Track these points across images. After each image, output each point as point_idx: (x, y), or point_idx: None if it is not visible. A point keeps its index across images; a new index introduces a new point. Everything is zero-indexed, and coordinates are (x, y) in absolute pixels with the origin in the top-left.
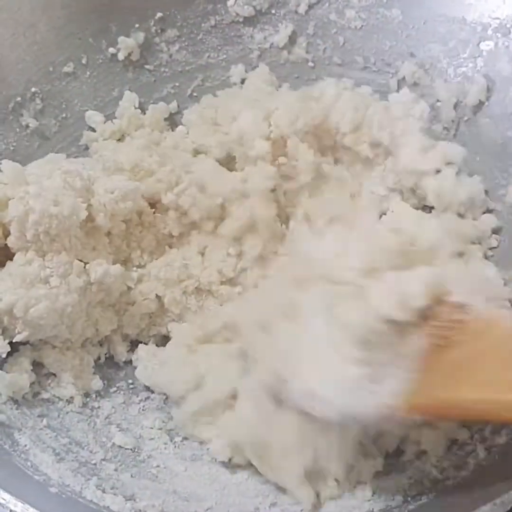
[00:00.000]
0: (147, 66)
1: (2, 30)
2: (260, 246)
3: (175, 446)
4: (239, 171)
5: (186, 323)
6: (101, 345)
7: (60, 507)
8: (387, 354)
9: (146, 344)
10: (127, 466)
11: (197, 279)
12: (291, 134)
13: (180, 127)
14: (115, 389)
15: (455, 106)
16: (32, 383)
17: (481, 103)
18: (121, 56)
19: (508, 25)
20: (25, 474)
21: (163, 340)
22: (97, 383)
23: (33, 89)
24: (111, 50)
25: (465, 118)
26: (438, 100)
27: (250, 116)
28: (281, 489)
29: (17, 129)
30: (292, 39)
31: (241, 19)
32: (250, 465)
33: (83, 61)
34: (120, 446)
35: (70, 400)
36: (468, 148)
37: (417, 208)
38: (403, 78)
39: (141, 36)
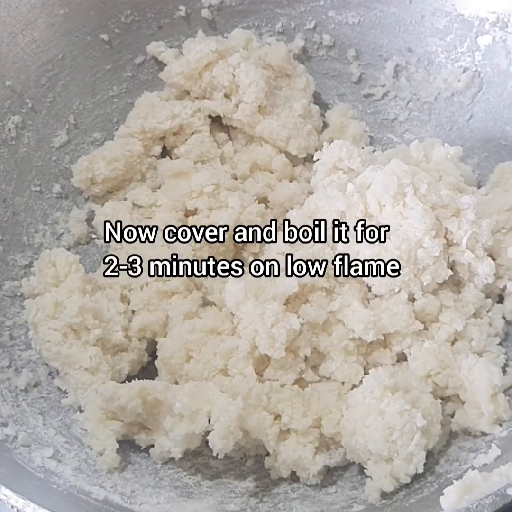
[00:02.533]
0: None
1: (0, 28)
2: None
3: None
4: None
5: None
6: None
7: (61, 503)
8: None
9: None
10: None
11: None
12: None
13: None
14: None
15: (452, 99)
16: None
17: (478, 97)
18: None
19: (505, 19)
20: (26, 470)
21: None
22: None
23: (31, 87)
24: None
25: (463, 111)
26: (437, 94)
27: None
28: None
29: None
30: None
31: None
32: None
33: (81, 59)
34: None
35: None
36: (465, 142)
37: None
38: (400, 73)
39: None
